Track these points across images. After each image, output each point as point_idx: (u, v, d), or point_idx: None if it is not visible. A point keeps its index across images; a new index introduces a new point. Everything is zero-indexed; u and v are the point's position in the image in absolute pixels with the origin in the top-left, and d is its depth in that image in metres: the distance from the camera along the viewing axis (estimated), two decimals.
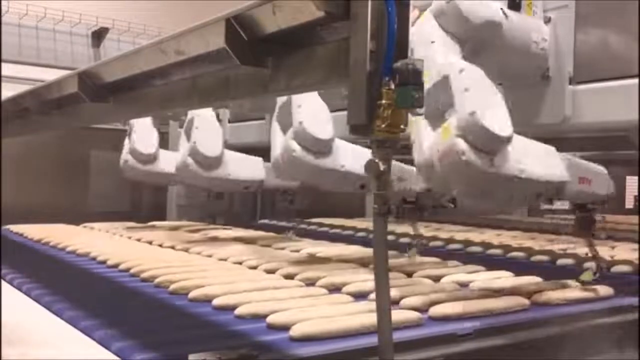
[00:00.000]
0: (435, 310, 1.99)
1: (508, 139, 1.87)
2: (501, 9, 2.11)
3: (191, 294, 2.21)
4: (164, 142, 4.23)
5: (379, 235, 1.34)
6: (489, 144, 1.85)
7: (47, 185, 5.08)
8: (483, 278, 2.57)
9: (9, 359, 1.55)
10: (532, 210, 6.91)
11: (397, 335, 1.69)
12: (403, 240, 3.71)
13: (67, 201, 5.12)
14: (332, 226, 4.87)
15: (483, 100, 1.86)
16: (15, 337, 1.70)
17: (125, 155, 4.09)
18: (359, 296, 2.24)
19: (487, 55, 2.16)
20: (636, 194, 8.01)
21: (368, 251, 3.23)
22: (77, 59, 6.57)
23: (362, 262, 2.90)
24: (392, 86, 1.24)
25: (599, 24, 2.22)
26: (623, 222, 5.37)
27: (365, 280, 2.41)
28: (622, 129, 2.35)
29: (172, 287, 2.32)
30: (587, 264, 2.79)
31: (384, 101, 1.24)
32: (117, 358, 1.59)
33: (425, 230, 4.49)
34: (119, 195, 5.22)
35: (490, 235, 4.14)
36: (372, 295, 2.17)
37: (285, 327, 1.78)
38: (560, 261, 3.16)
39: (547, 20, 2.28)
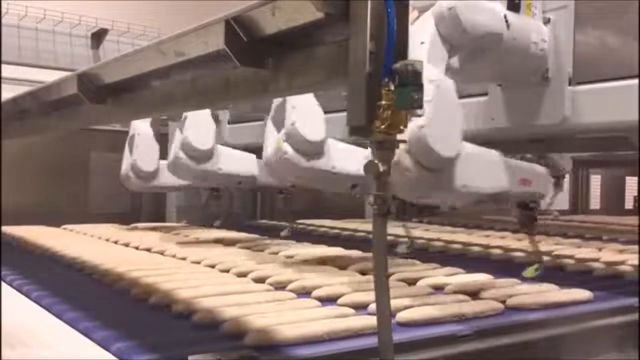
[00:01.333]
0: (402, 316, 1.92)
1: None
2: (504, 15, 2.10)
3: (153, 298, 2.13)
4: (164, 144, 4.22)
5: (379, 236, 1.34)
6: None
7: (46, 187, 5.08)
8: (459, 281, 2.48)
9: None
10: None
11: (360, 343, 1.67)
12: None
13: (66, 203, 5.12)
14: (324, 227, 4.82)
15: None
16: (14, 339, 1.70)
17: (126, 168, 4.02)
18: (328, 301, 2.16)
19: (485, 58, 2.16)
20: (636, 194, 8.02)
21: (349, 253, 3.18)
22: (76, 61, 6.59)
23: (340, 265, 2.81)
24: (392, 87, 1.24)
25: (599, 24, 2.22)
26: (612, 223, 5.40)
27: (339, 283, 2.34)
28: (622, 129, 2.35)
29: (135, 290, 2.24)
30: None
31: (383, 102, 1.23)
32: (117, 359, 1.59)
33: (413, 231, 4.43)
34: (119, 197, 5.22)
35: (478, 237, 4.08)
36: (341, 300, 2.12)
37: (241, 334, 1.70)
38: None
39: (547, 21, 2.28)
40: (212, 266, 2.79)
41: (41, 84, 2.86)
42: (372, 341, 1.51)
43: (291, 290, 2.31)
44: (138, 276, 2.44)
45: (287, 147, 2.68)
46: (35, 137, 4.13)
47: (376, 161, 1.30)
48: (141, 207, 5.49)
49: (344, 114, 1.30)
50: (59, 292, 2.27)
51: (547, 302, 2.18)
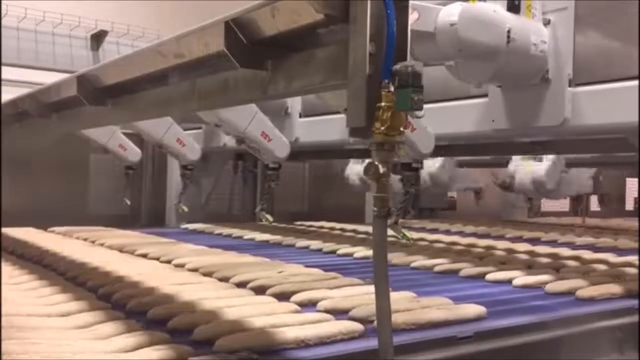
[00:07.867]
0: (220, 344, 1.60)
1: None
2: (508, 31, 2.10)
3: None
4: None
5: (379, 237, 1.34)
6: None
7: (45, 188, 5.07)
8: (339, 296, 2.12)
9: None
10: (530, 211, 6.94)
11: None
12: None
13: (66, 204, 5.11)
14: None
15: None
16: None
17: None
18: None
19: (483, 59, 2.16)
20: (636, 196, 8.01)
21: (256, 260, 2.93)
22: (76, 62, 6.57)
23: (222, 277, 2.45)
24: (392, 89, 1.24)
25: (599, 26, 2.22)
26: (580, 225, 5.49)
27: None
28: (622, 131, 2.35)
29: None
30: None
31: (383, 104, 1.23)
32: None
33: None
34: (118, 199, 5.21)
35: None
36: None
37: None
38: (464, 272, 2.76)
39: (547, 23, 2.28)
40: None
41: (41, 85, 2.86)
42: None
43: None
44: None
45: None
46: (35, 139, 4.11)
47: (376, 163, 1.29)
48: (141, 208, 5.48)
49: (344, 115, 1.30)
50: None
51: (421, 322, 1.86)
